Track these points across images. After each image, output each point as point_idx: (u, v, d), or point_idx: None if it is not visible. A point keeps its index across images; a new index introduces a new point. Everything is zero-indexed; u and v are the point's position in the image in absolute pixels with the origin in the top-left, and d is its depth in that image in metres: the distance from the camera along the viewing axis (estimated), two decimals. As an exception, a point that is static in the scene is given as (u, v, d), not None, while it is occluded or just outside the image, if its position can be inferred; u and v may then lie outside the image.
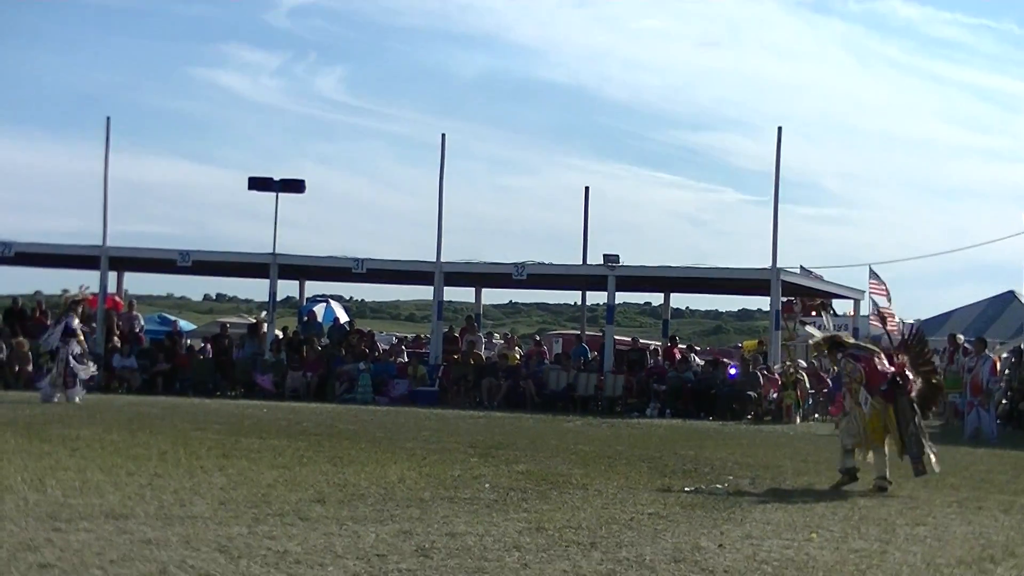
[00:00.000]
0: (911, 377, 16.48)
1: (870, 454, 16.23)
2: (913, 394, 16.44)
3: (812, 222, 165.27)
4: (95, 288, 30.99)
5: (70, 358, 28.41)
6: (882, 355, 16.80)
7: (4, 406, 25.60)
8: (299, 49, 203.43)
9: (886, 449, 16.23)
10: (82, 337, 29.24)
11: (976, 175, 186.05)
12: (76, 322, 29.12)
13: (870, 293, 39.81)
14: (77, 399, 28.03)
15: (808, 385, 33.76)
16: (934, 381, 17.11)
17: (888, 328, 35.02)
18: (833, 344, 17.22)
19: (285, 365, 37.40)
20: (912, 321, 44.30)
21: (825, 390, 33.53)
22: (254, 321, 44.58)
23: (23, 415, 22.97)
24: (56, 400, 27.81)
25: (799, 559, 10.11)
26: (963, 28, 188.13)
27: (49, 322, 35.64)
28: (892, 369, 16.45)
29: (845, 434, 16.42)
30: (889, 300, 39.58)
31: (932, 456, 16.19)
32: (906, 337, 18.14)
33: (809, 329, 19.38)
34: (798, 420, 32.58)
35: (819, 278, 40.05)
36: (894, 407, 16.29)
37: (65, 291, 31.27)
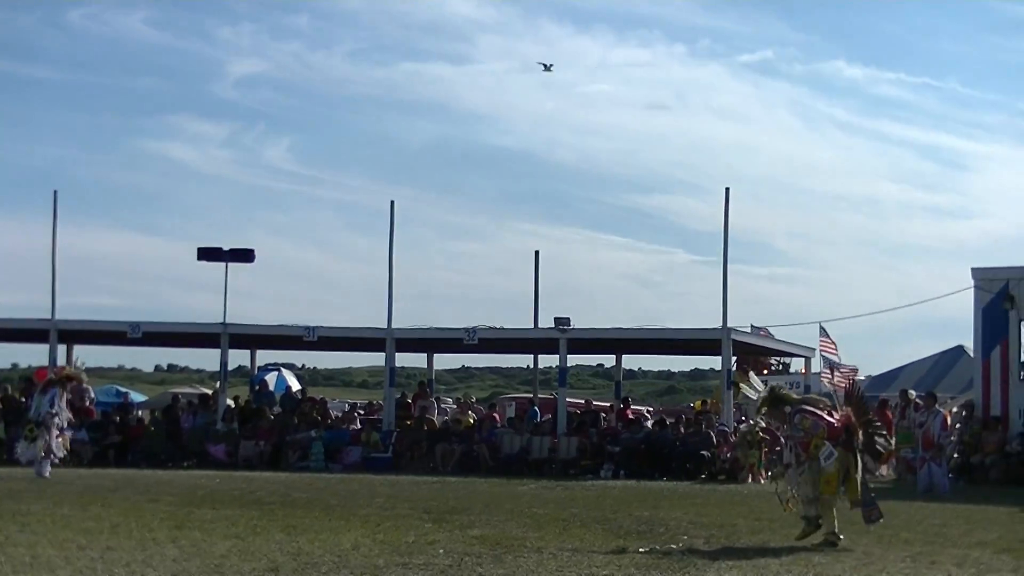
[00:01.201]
0: (857, 430, 16.66)
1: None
2: (859, 445, 16.60)
3: (763, 281, 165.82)
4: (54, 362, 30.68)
5: (53, 431, 28.28)
6: (827, 409, 16.96)
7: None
8: (247, 119, 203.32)
9: (836, 503, 16.34)
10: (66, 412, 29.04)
11: (923, 232, 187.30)
12: (63, 396, 28.98)
13: (820, 350, 39.98)
14: (47, 473, 27.78)
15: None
16: (875, 435, 17.17)
17: (835, 383, 35.09)
18: (775, 400, 17.29)
19: (238, 435, 37.19)
20: (863, 377, 44.63)
21: (778, 448, 33.47)
22: (207, 392, 44.42)
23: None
24: (47, 475, 27.63)
25: (754, 617, 10.13)
26: (906, 87, 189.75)
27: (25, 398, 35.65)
28: (842, 420, 16.61)
29: (804, 484, 16.46)
30: (838, 357, 39.72)
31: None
32: (848, 391, 18.25)
33: (744, 388, 19.39)
34: (762, 480, 32.34)
35: (770, 336, 40.22)
36: (854, 455, 16.47)
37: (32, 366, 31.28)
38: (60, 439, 28.54)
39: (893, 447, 21.91)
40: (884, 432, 17.91)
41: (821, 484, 16.31)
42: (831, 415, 16.84)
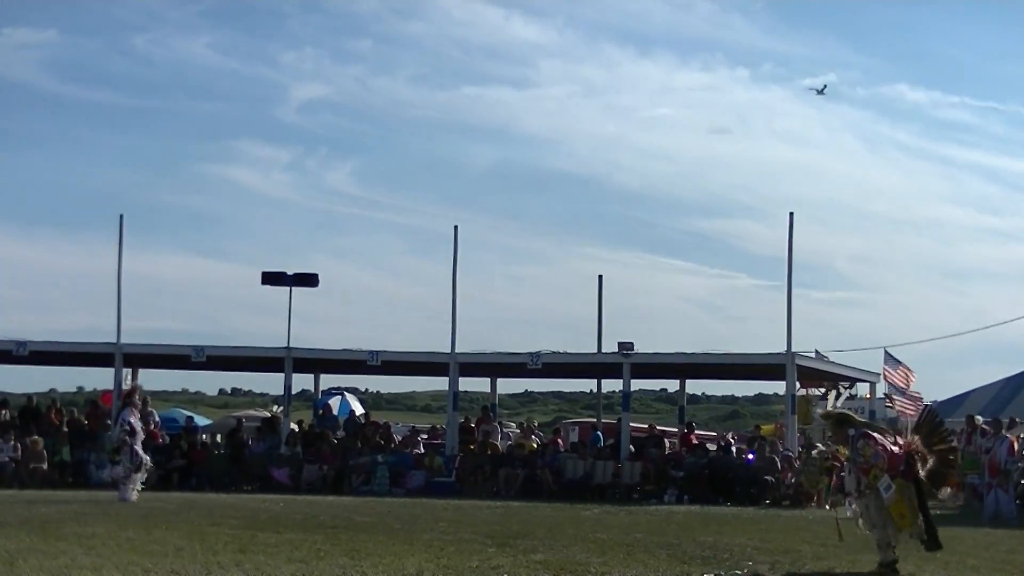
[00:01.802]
0: (922, 457, 16.42)
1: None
2: (923, 473, 16.38)
3: (826, 305, 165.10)
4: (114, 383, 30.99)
5: (136, 450, 28.80)
6: (891, 436, 16.73)
7: (19, 505, 25.54)
8: (309, 143, 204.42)
9: (907, 533, 16.14)
10: (138, 430, 29.34)
11: (988, 255, 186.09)
12: (133, 415, 29.20)
13: (885, 376, 39.67)
14: (132, 497, 28.19)
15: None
16: (951, 458, 16.97)
17: (901, 409, 34.85)
18: (841, 420, 17.11)
19: (301, 458, 37.33)
20: (928, 402, 44.27)
21: (842, 473, 33.22)
22: (269, 415, 44.58)
23: (38, 514, 22.89)
24: (132, 497, 28.10)
25: (820, 644, 10.05)
26: (970, 111, 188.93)
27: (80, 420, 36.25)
28: (905, 448, 16.38)
29: (868, 526, 16.27)
30: (908, 383, 39.37)
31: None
32: (920, 418, 18.05)
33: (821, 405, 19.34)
34: (827, 507, 32.00)
35: (833, 362, 39.98)
36: (916, 486, 16.25)
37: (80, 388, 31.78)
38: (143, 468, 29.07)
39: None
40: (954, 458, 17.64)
41: (895, 518, 16.09)
42: (894, 443, 16.61)
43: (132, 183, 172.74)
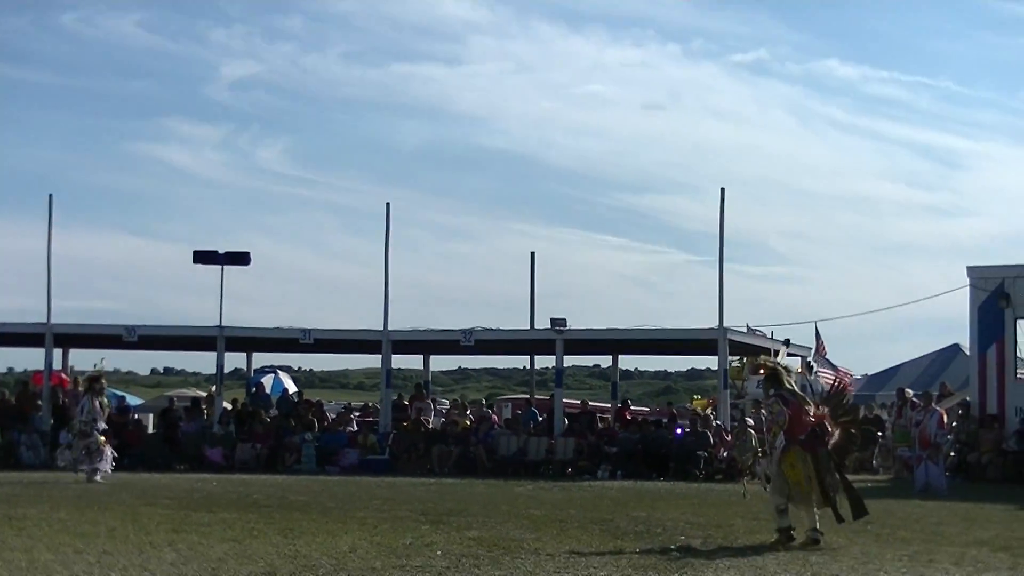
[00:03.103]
0: (829, 429, 16.66)
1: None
2: (830, 445, 16.61)
3: (759, 281, 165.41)
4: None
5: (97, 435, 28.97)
6: (810, 406, 16.91)
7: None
8: (241, 122, 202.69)
9: (813, 500, 16.35)
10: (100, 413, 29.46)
11: (919, 230, 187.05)
12: (95, 401, 29.47)
13: (817, 350, 39.97)
14: (99, 477, 28.26)
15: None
16: (852, 431, 17.18)
17: (823, 378, 35.08)
18: (773, 376, 17.20)
19: (234, 438, 37.21)
20: (860, 376, 44.63)
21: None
22: (204, 395, 44.39)
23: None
24: (80, 471, 28.39)
25: (752, 617, 10.12)
26: (901, 86, 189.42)
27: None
28: (813, 420, 16.60)
29: (774, 493, 16.53)
30: (824, 355, 39.71)
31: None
32: (829, 390, 18.26)
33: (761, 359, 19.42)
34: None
35: (765, 337, 40.20)
36: (813, 457, 16.46)
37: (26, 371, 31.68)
38: (107, 447, 29.25)
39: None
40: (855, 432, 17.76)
41: (792, 485, 16.35)
42: (810, 412, 16.80)
43: (61, 162, 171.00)
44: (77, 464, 28.76)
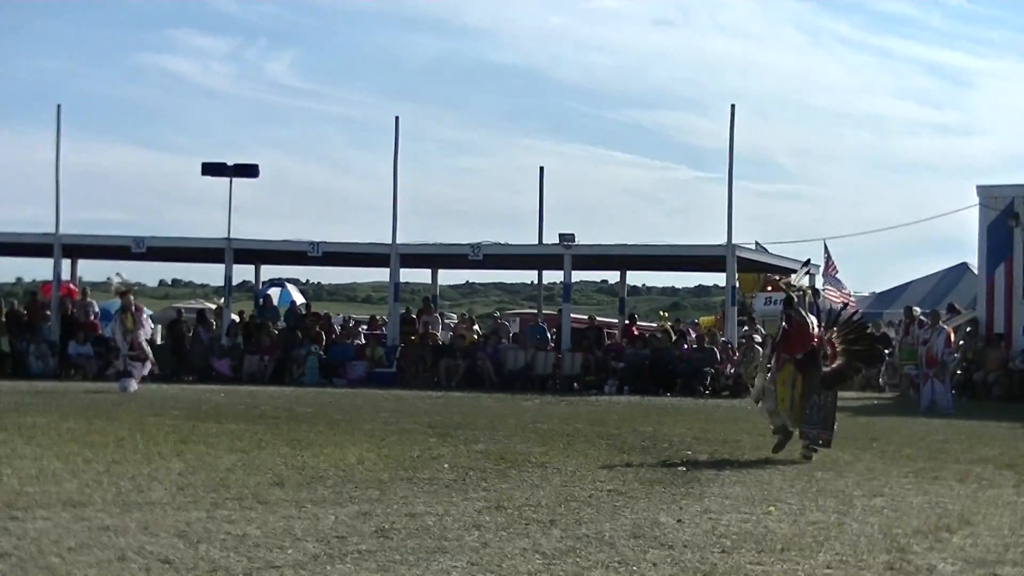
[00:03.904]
0: (830, 353, 16.71)
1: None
2: (829, 368, 16.68)
3: (767, 198, 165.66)
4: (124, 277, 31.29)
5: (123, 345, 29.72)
6: (813, 328, 16.92)
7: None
8: (248, 34, 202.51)
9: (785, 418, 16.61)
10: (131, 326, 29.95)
11: (928, 149, 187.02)
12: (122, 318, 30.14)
13: (824, 269, 39.93)
14: (131, 387, 28.76)
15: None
16: (856, 361, 17.20)
17: (829, 299, 35.06)
18: (786, 299, 17.20)
19: (242, 350, 37.32)
20: (867, 294, 44.64)
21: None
22: (213, 307, 44.47)
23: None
24: (133, 388, 28.71)
25: (757, 532, 10.16)
26: (912, 3, 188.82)
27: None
28: (816, 342, 16.63)
29: (767, 398, 16.70)
30: (834, 274, 39.63)
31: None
32: (837, 314, 18.24)
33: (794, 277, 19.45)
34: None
35: (773, 254, 40.15)
36: (803, 378, 16.58)
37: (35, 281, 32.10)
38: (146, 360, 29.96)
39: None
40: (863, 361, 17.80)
41: (776, 400, 16.53)
42: (810, 334, 16.85)
43: (69, 72, 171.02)
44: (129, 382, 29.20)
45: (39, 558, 8.55)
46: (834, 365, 16.83)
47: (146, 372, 29.77)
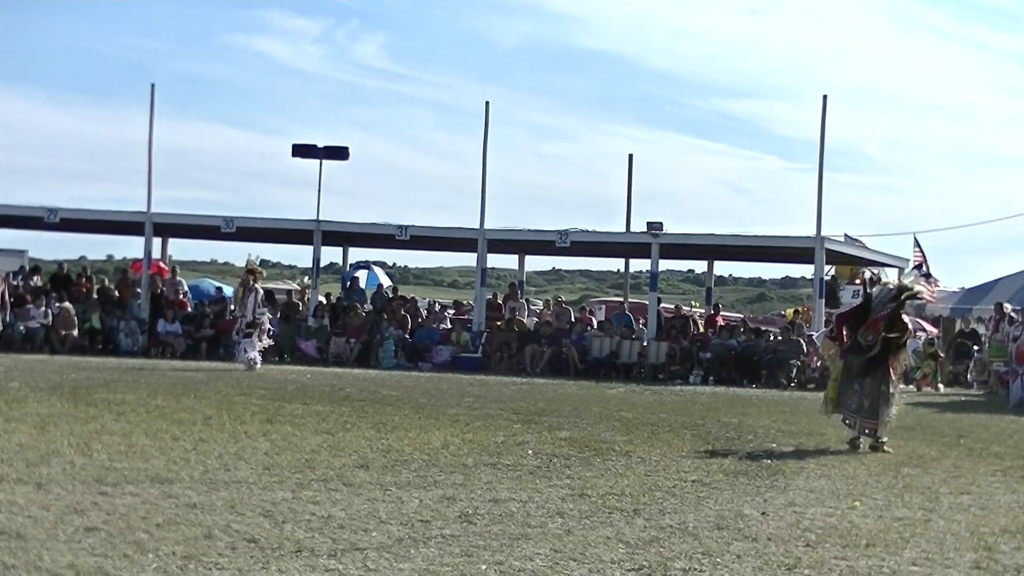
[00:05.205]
0: (873, 339, 16.77)
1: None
2: (872, 353, 16.75)
3: (856, 190, 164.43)
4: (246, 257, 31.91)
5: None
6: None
7: (50, 370, 25.75)
8: (339, 16, 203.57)
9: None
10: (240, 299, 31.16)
11: (1020, 143, 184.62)
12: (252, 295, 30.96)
13: (914, 261, 39.60)
14: (251, 362, 29.95)
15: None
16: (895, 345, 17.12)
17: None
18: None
19: (329, 331, 37.50)
20: (957, 289, 44.21)
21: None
22: (299, 288, 44.76)
23: (68, 380, 23.07)
24: (258, 366, 29.79)
25: (842, 527, 10.10)
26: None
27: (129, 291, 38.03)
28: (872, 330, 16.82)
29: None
30: (924, 269, 39.28)
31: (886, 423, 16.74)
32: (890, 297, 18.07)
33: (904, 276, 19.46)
34: (941, 388, 32.91)
35: (863, 246, 39.86)
36: (844, 365, 17.15)
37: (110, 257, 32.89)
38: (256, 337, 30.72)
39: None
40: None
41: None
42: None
43: (163, 51, 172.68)
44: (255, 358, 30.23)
45: (127, 533, 8.64)
46: (871, 353, 16.85)
47: (257, 351, 30.51)
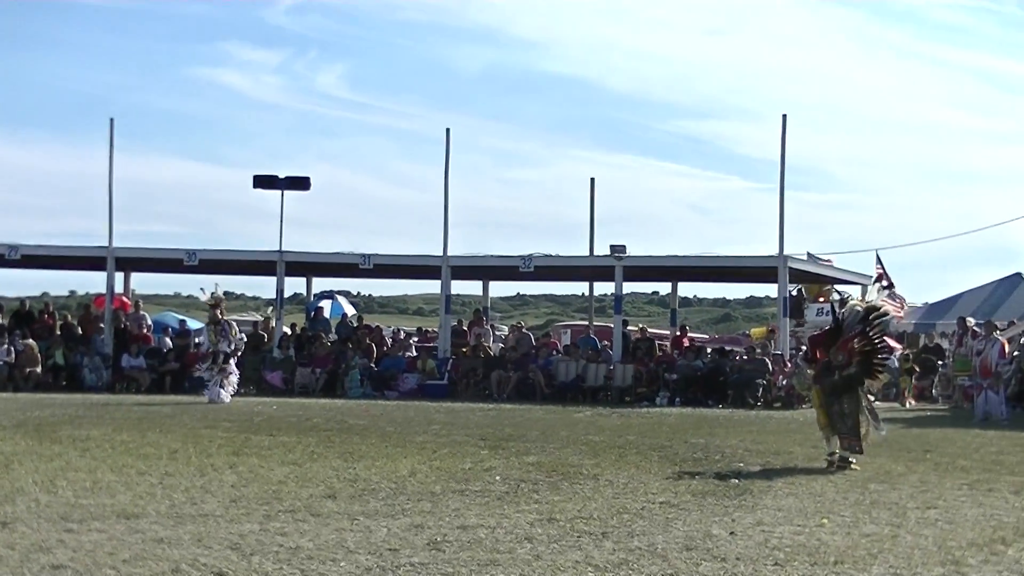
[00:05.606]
0: (844, 359, 16.94)
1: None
2: (846, 372, 16.87)
3: (819, 208, 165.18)
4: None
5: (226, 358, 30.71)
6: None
7: (14, 408, 25.63)
8: (299, 46, 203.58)
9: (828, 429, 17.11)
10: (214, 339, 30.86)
11: (982, 158, 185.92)
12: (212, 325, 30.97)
13: (876, 279, 39.73)
14: (215, 397, 29.98)
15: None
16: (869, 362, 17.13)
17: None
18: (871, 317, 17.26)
19: (294, 362, 37.42)
20: (920, 304, 44.38)
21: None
22: (262, 319, 44.67)
23: (33, 417, 22.97)
24: (225, 400, 29.84)
25: (811, 545, 10.12)
26: (965, 12, 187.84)
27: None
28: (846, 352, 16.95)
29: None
30: (888, 285, 39.41)
31: (873, 430, 16.96)
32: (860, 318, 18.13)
33: (868, 293, 19.57)
34: (913, 403, 33.29)
35: (828, 264, 39.99)
36: (819, 389, 17.36)
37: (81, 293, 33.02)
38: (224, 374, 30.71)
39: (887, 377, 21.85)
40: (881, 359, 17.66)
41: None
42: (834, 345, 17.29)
43: (122, 86, 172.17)
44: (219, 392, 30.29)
45: (94, 570, 8.61)
46: (847, 371, 16.94)
47: (227, 386, 30.57)
